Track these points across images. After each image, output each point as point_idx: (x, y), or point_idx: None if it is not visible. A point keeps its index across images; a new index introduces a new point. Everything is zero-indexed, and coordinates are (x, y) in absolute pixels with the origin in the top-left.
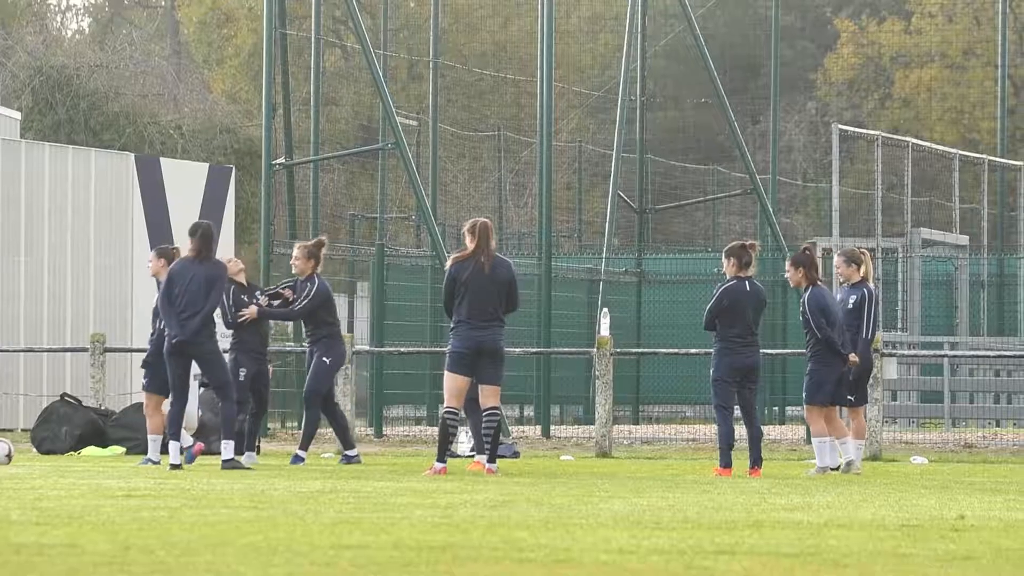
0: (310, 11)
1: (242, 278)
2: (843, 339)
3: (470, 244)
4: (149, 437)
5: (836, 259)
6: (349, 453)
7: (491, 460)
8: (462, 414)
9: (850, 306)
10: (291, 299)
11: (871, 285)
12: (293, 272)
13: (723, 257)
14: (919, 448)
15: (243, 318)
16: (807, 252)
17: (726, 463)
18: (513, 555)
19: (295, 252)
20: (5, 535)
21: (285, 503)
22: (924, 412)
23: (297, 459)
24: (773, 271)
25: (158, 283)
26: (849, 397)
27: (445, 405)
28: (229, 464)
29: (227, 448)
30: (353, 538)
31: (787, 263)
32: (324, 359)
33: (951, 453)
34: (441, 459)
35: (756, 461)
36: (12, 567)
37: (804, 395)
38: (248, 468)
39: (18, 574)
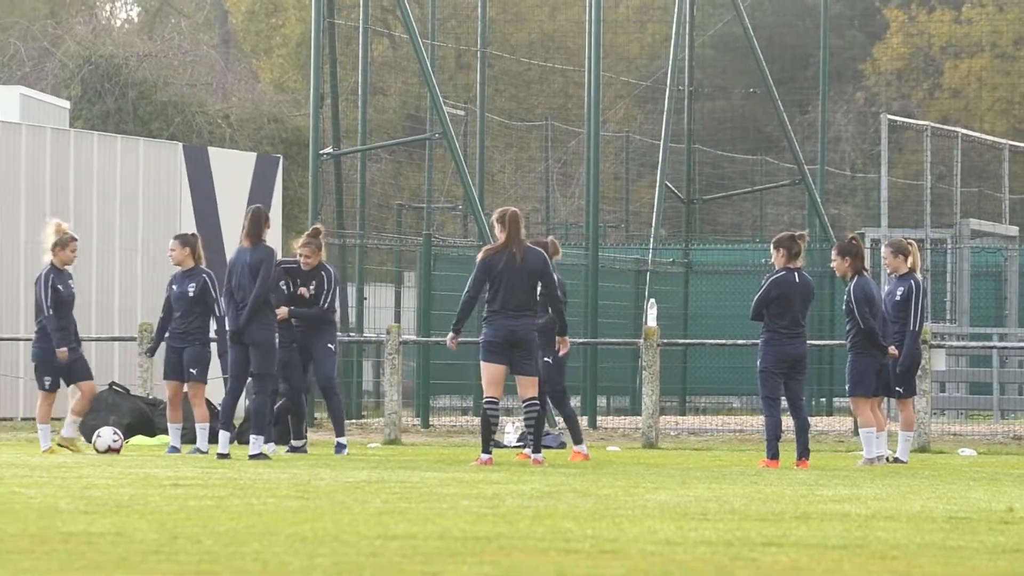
0: (358, 0)
1: None
2: (884, 331)
3: (501, 235)
4: (197, 426)
5: (884, 250)
6: (296, 443)
7: (536, 450)
8: (502, 403)
9: (898, 298)
10: (308, 296)
11: (918, 276)
12: (303, 268)
13: (772, 248)
14: (967, 440)
15: (280, 317)
16: (854, 242)
17: (773, 454)
18: (559, 546)
19: (302, 251)
20: (53, 524)
21: (331, 493)
22: (973, 404)
23: (341, 448)
24: (821, 262)
25: (210, 277)
26: (897, 389)
27: (484, 395)
28: (256, 458)
29: (255, 442)
30: (399, 528)
31: (833, 252)
32: (330, 345)
33: (1000, 445)
34: (486, 450)
35: (803, 453)
36: (61, 555)
37: (847, 387)
38: (269, 458)
39: (67, 562)
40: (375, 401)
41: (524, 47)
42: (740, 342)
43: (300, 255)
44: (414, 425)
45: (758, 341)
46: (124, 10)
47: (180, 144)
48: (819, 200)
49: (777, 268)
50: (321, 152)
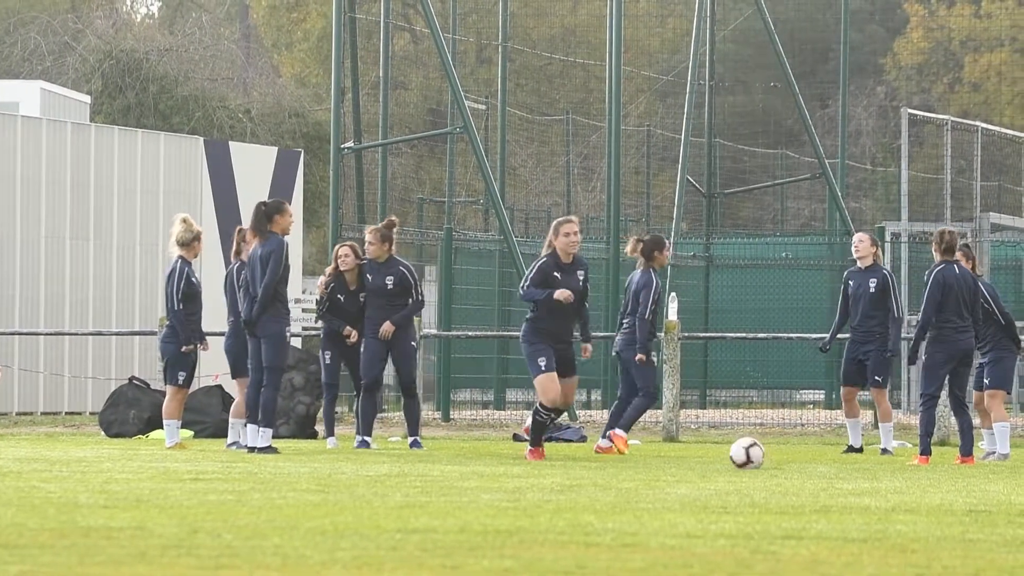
0: None
1: (352, 278)
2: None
3: None
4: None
5: (862, 239)
6: (367, 439)
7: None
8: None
9: (872, 290)
10: (389, 289)
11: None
12: (367, 257)
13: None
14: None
15: (383, 336)
16: (967, 247)
17: (925, 450)
18: (580, 539)
19: (368, 237)
20: (73, 518)
21: (352, 487)
22: None
23: (417, 444)
24: (842, 256)
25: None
26: (876, 378)
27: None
28: (263, 451)
29: (263, 435)
30: (420, 522)
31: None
32: (412, 343)
33: (1019, 438)
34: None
35: (967, 450)
36: (80, 549)
37: (988, 382)
38: (278, 452)
39: (86, 556)
40: (395, 395)
41: (545, 41)
42: (761, 335)
43: (366, 242)
44: (435, 419)
45: (779, 335)
46: (145, 4)
47: (201, 139)
48: (839, 194)
49: (936, 261)
50: (342, 146)
